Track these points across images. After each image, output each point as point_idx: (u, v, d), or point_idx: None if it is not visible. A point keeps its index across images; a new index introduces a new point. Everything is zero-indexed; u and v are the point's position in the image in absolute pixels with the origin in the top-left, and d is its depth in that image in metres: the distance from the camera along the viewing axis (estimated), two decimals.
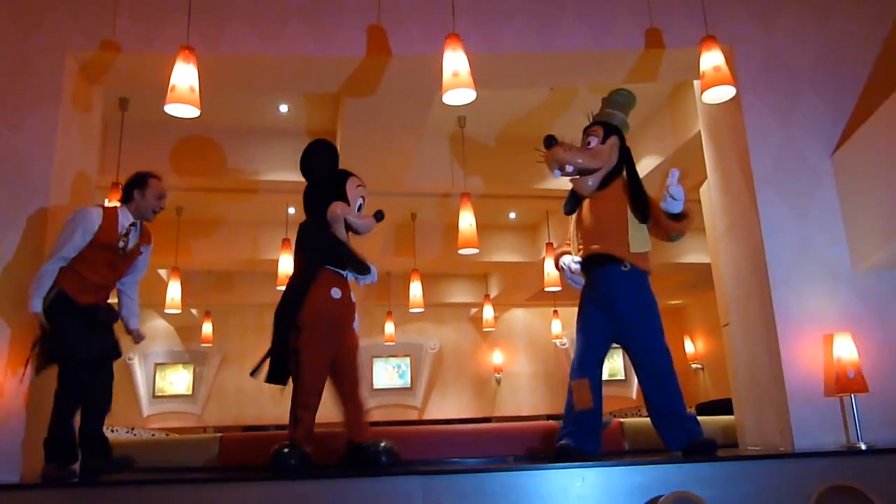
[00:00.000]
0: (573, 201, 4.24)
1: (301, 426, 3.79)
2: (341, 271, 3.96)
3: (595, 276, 4.01)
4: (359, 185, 4.07)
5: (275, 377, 3.95)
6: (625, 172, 4.12)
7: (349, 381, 3.92)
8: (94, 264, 3.84)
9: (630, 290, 3.93)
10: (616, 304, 3.92)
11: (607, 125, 4.18)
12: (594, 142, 4.11)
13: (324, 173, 4.06)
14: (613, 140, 4.12)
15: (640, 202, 3.96)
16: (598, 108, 4.35)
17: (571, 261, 4.12)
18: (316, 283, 3.86)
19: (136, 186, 4.00)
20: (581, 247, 4.12)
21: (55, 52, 4.44)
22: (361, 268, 3.96)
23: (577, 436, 3.87)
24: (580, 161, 4.04)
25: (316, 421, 3.85)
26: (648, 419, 4.03)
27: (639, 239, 3.95)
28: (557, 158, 4.03)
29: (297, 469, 3.64)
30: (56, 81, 4.39)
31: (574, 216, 4.24)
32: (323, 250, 3.93)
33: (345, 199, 3.98)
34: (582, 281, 4.11)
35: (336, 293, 3.88)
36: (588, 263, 4.05)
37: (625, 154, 4.14)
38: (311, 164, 4.05)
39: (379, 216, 4.02)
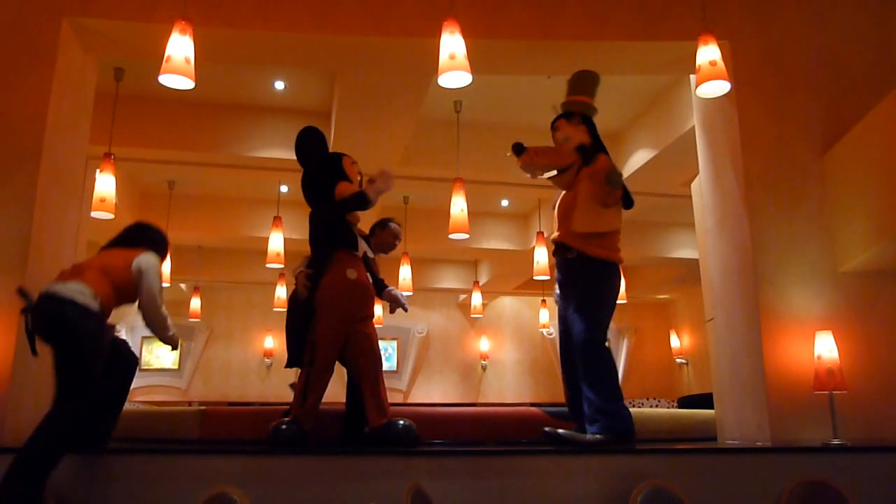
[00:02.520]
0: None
1: (306, 403, 3.85)
2: (356, 252, 4.04)
3: (556, 263, 4.09)
4: (353, 163, 4.20)
5: (295, 360, 4.06)
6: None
7: (359, 365, 3.96)
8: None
9: (573, 277, 3.95)
10: (562, 290, 4.05)
11: (567, 114, 4.18)
12: (560, 139, 4.14)
13: (319, 157, 4.16)
14: (580, 128, 4.13)
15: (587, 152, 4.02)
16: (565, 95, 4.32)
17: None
18: (331, 266, 3.95)
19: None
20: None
21: (51, 17, 4.41)
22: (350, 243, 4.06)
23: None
24: (548, 165, 4.08)
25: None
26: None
27: (587, 219, 3.89)
28: (528, 166, 4.07)
29: (292, 443, 3.69)
30: (51, 47, 4.37)
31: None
32: (337, 233, 4.04)
33: (346, 178, 4.08)
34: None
35: (352, 274, 3.95)
36: (555, 251, 4.09)
37: (592, 131, 4.14)
38: (308, 150, 4.15)
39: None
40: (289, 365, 4.12)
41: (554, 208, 4.25)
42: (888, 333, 4.32)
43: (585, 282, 3.91)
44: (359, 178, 4.19)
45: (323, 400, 3.94)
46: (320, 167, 4.13)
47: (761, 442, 4.19)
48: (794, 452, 3.72)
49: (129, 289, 3.52)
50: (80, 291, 3.26)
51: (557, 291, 4.15)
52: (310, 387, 3.86)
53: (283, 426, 3.75)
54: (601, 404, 3.73)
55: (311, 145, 4.15)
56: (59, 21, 4.41)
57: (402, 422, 3.80)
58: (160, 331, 3.62)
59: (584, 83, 4.22)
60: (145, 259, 3.52)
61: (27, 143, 4.21)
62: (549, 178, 4.16)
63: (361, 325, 3.95)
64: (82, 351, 3.21)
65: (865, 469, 3.59)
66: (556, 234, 4.07)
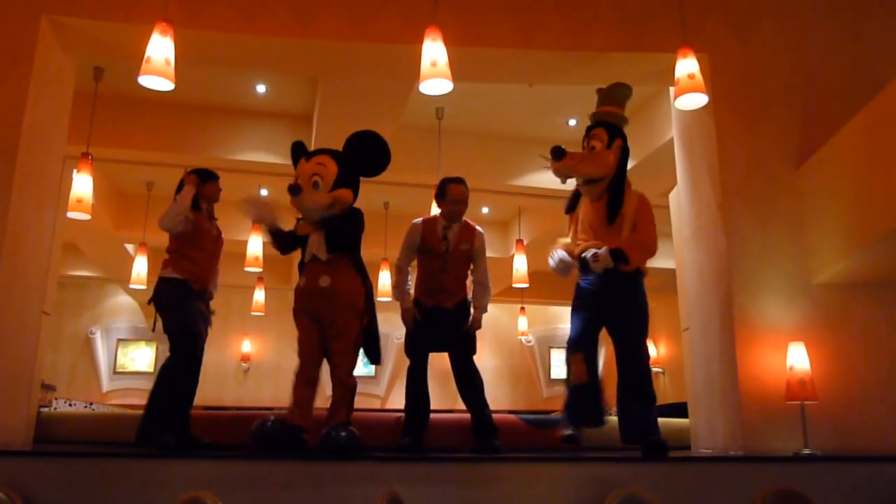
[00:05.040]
0: (573, 200, 4.29)
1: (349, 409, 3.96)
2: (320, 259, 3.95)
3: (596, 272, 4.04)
4: (301, 165, 4.01)
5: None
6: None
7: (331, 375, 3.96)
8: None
9: (626, 289, 4.03)
10: (611, 298, 4.02)
11: (611, 126, 4.17)
12: (598, 146, 4.11)
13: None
14: (618, 144, 4.13)
15: (613, 204, 4.04)
16: (594, 102, 4.37)
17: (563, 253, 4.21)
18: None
19: None
20: (580, 242, 4.16)
21: (30, 14, 4.37)
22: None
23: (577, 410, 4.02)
24: (587, 173, 4.08)
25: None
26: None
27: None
28: (566, 171, 4.08)
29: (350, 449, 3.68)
30: (29, 45, 4.33)
31: (573, 214, 4.30)
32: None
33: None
34: (570, 269, 4.18)
35: (301, 282, 3.97)
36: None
37: (624, 155, 4.17)
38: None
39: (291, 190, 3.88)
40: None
41: (569, 213, 4.29)
42: (859, 345, 4.39)
43: (641, 295, 4.06)
44: (300, 180, 3.91)
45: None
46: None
47: (734, 451, 4.23)
48: (766, 462, 3.76)
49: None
50: None
51: (588, 293, 4.09)
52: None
53: (343, 433, 3.69)
54: (655, 417, 3.95)
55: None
56: (37, 19, 4.37)
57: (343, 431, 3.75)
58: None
59: (616, 94, 4.28)
60: None
61: (3, 142, 4.16)
62: (581, 185, 4.18)
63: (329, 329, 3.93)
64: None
65: (835, 478, 3.63)
66: (597, 244, 4.01)
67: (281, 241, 4.09)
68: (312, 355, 3.93)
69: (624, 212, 4.03)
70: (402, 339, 4.40)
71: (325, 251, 3.90)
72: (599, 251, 3.94)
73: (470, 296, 4.32)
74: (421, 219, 4.34)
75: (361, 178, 4.04)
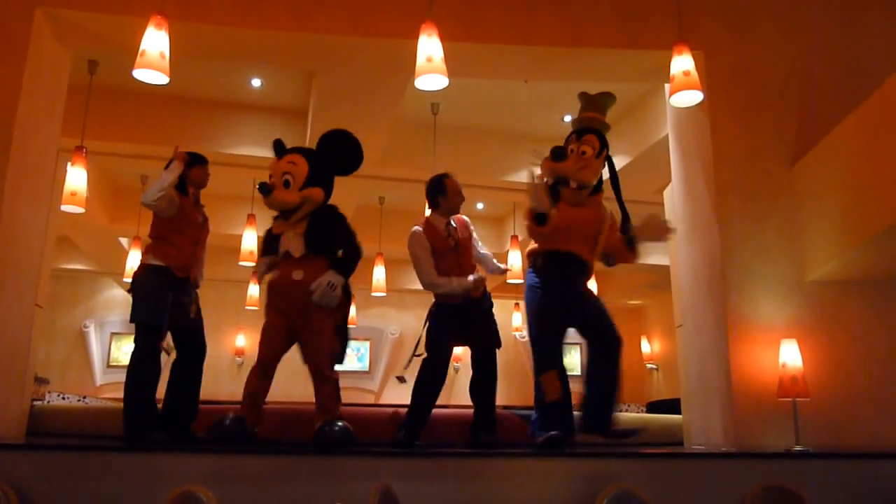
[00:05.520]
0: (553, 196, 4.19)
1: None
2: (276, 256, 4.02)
3: (565, 273, 4.09)
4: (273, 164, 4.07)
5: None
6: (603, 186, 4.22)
7: (309, 368, 3.95)
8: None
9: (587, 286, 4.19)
10: (582, 298, 4.10)
11: (601, 135, 4.20)
12: (589, 152, 4.11)
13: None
14: (604, 153, 4.18)
15: (627, 219, 4.14)
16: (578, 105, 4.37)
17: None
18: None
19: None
20: (550, 242, 4.13)
21: (25, 6, 4.35)
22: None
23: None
24: (586, 180, 4.10)
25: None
26: None
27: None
28: (562, 173, 4.07)
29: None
30: (23, 37, 4.31)
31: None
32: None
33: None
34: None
35: (273, 275, 4.02)
36: (556, 260, 4.09)
37: (612, 167, 4.24)
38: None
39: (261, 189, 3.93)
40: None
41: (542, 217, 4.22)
42: (851, 342, 4.41)
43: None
44: (272, 179, 3.98)
45: (290, 400, 3.92)
46: None
47: (726, 447, 4.25)
48: (758, 458, 3.78)
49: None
50: None
51: (553, 296, 4.10)
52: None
53: (336, 427, 3.68)
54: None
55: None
56: (32, 11, 4.35)
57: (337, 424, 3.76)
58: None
59: (603, 102, 4.30)
60: None
61: None
62: (568, 189, 4.13)
63: (309, 321, 3.90)
64: None
65: (826, 475, 3.66)
66: (568, 247, 4.07)
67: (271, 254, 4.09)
68: (275, 352, 3.92)
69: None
70: (397, 335, 4.41)
71: (301, 248, 3.91)
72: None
73: (487, 270, 4.50)
74: (419, 227, 4.29)
75: (345, 176, 4.06)
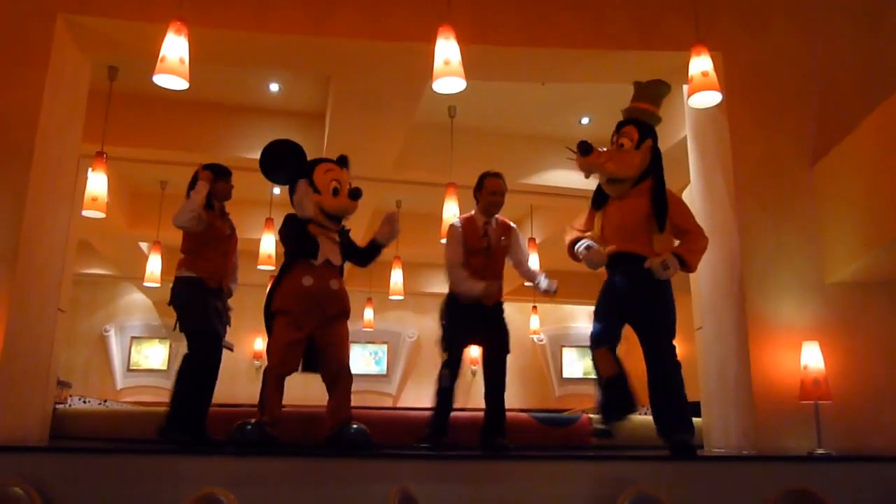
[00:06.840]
0: (601, 197, 4.17)
1: (264, 407, 3.88)
2: (314, 261, 3.99)
3: (621, 271, 3.99)
4: (328, 171, 4.07)
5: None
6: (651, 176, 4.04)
7: (329, 370, 3.96)
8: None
9: (655, 288, 3.95)
10: (643, 295, 3.94)
11: (643, 125, 4.07)
12: (627, 144, 4.00)
13: (283, 175, 4.19)
14: (648, 144, 4.02)
15: (661, 214, 3.94)
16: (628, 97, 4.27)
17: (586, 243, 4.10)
18: (288, 274, 3.98)
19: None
20: (605, 242, 4.09)
21: (46, 14, 4.40)
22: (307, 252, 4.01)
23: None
24: (612, 172, 3.99)
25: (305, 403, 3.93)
26: None
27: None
28: (590, 167, 4.01)
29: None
30: (45, 44, 4.36)
31: (597, 211, 4.19)
32: (288, 243, 4.07)
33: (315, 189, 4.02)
34: (600, 261, 4.05)
35: (307, 281, 3.92)
36: (615, 259, 4.02)
37: (656, 157, 4.07)
38: (267, 169, 4.19)
39: (353, 194, 4.01)
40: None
41: (597, 209, 4.18)
42: (873, 345, 4.35)
43: (671, 293, 4.00)
44: (335, 184, 4.01)
45: (305, 403, 3.96)
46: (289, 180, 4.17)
47: (747, 450, 4.21)
48: (780, 461, 3.74)
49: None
50: None
51: (612, 291, 4.04)
52: (264, 390, 4.00)
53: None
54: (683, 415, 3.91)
55: (268, 163, 4.20)
56: (53, 18, 4.40)
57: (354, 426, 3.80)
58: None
59: (652, 91, 4.19)
60: None
61: (19, 141, 4.19)
62: (605, 183, 4.10)
63: (329, 329, 3.96)
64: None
65: (849, 479, 3.62)
66: (621, 244, 3.98)
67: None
68: (295, 355, 3.95)
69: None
70: (415, 338, 4.44)
71: (339, 257, 4.07)
72: (669, 260, 3.87)
73: (531, 282, 4.51)
74: (458, 219, 4.39)
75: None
